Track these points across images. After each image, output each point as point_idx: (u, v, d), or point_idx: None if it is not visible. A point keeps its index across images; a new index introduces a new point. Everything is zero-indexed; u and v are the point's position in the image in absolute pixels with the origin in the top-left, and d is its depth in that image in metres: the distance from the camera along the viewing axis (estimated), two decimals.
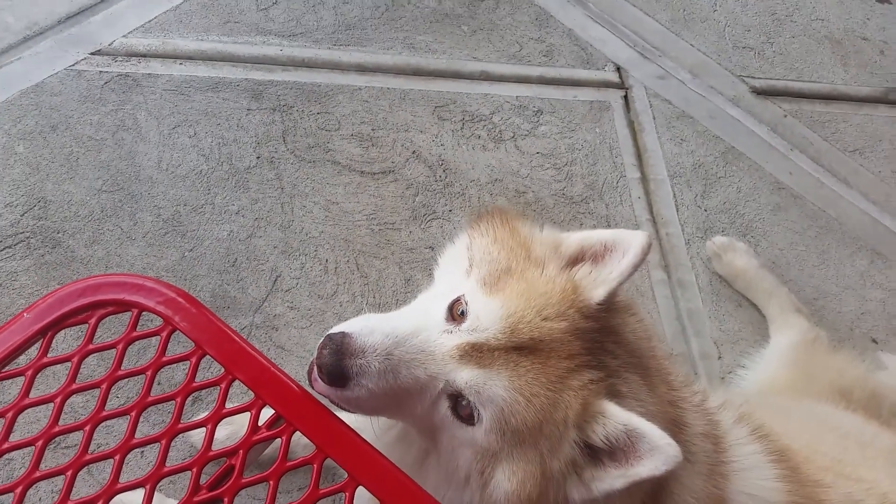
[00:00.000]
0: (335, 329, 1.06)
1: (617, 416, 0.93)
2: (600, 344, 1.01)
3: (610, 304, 1.05)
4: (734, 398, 1.44)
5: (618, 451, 0.93)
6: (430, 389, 1.01)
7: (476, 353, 0.99)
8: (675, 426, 1.03)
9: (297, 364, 1.96)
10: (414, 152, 2.45)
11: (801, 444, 1.42)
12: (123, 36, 2.53)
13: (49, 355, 1.10)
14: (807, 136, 2.81)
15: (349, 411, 1.09)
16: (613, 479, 0.92)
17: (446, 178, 2.42)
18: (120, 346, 1.12)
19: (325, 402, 1.10)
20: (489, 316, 1.01)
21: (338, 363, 1.00)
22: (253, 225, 2.19)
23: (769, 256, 2.44)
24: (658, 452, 0.88)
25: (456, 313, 1.05)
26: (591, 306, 1.03)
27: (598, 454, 0.96)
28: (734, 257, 2.30)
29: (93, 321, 1.13)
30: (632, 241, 1.03)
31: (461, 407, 1.00)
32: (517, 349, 0.99)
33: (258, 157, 2.32)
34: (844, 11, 3.28)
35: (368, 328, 1.03)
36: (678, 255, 2.39)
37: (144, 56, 2.51)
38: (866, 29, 3.25)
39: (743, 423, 1.25)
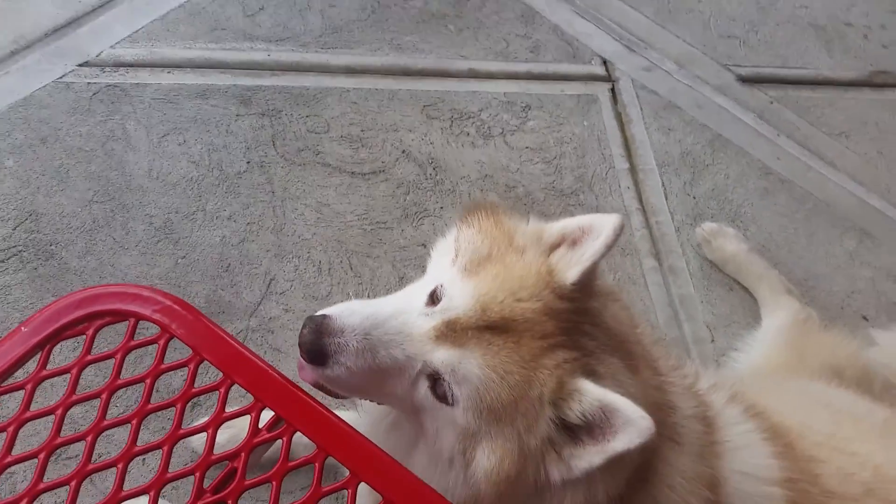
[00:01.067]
0: (318, 312, 1.09)
1: (592, 393, 0.94)
2: (577, 325, 1.03)
3: (587, 287, 1.07)
4: (726, 379, 1.46)
5: (595, 427, 0.94)
6: (409, 370, 1.04)
7: (451, 332, 1.02)
8: (660, 409, 1.04)
9: (293, 366, 1.94)
10: (404, 151, 2.47)
11: (794, 421, 1.44)
12: (111, 47, 2.54)
13: (48, 368, 1.11)
14: (793, 122, 2.84)
15: (337, 396, 1.14)
16: (592, 455, 0.93)
17: (436, 175, 2.43)
18: (118, 356, 1.13)
19: (324, 400, 1.12)
20: (462, 295, 1.05)
21: (316, 341, 1.05)
22: (245, 229, 2.20)
23: (759, 240, 2.46)
24: (631, 426, 0.89)
25: (436, 299, 1.09)
26: (566, 287, 1.04)
27: (576, 433, 0.97)
28: (724, 242, 2.33)
29: (90, 332, 1.15)
30: (605, 223, 1.05)
31: (440, 387, 1.03)
32: (490, 329, 1.01)
33: (248, 162, 2.34)
34: None
35: (349, 310, 1.07)
36: (668, 242, 2.41)
37: (132, 66, 2.51)
38: (850, 15, 3.28)
39: (735, 403, 1.27)
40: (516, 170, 2.51)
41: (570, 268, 1.06)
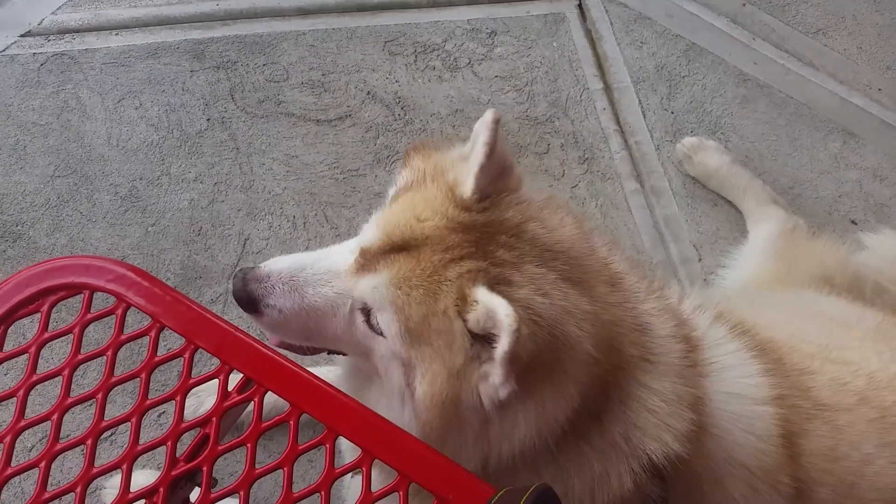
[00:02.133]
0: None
1: (482, 300, 0.89)
2: (489, 237, 0.99)
3: (498, 198, 1.03)
4: (711, 298, 1.43)
5: (493, 338, 0.90)
6: (342, 307, 1.05)
7: (365, 261, 1.03)
8: (624, 328, 0.99)
9: None
10: (369, 93, 2.38)
11: (785, 334, 1.42)
12: (52, 13, 2.43)
13: (4, 350, 1.07)
14: (768, 23, 2.74)
15: (303, 352, 1.15)
16: (496, 368, 0.88)
17: (405, 115, 2.35)
18: (76, 330, 1.09)
19: (296, 358, 1.09)
20: (372, 226, 1.06)
21: (244, 288, 1.09)
22: (213, 190, 2.13)
23: (741, 151, 2.40)
24: (501, 328, 0.84)
25: None
26: (467, 200, 1.02)
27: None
28: (705, 156, 2.27)
29: (45, 309, 1.10)
30: (481, 124, 1.01)
31: (372, 318, 1.03)
32: (395, 250, 1.01)
33: (208, 120, 2.25)
34: None
35: (276, 260, 1.11)
36: (649, 162, 2.35)
37: (77, 31, 2.41)
38: None
39: (721, 323, 1.23)
40: (487, 101, 2.43)
41: (465, 180, 1.03)
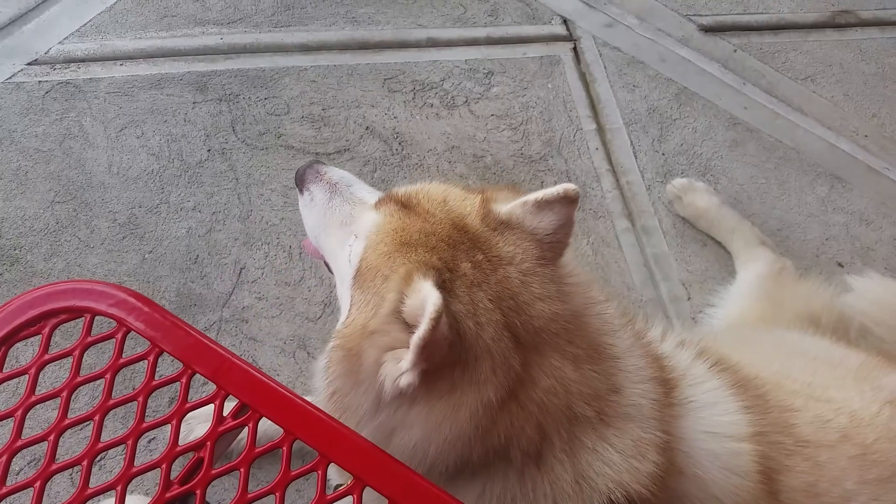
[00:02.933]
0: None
1: (422, 290, 0.91)
2: (470, 249, 1.03)
3: (520, 232, 1.07)
4: (696, 336, 1.45)
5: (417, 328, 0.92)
6: (347, 226, 1.19)
7: (381, 203, 1.15)
8: (568, 396, 1.00)
9: (271, 354, 1.96)
10: (367, 128, 2.43)
11: (770, 371, 1.44)
12: (59, 42, 2.48)
13: (4, 370, 1.08)
14: (758, 69, 2.82)
15: (313, 253, 1.34)
16: (407, 354, 0.90)
17: (402, 150, 2.40)
18: (76, 353, 1.11)
19: (291, 386, 1.10)
20: (417, 184, 1.18)
21: (304, 168, 1.30)
22: (211, 219, 2.16)
23: (730, 193, 2.45)
24: (424, 314, 0.87)
25: None
26: (492, 215, 1.07)
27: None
28: (695, 197, 2.31)
29: (46, 331, 1.12)
30: (558, 189, 1.05)
31: (356, 245, 1.13)
32: (403, 204, 1.12)
33: (209, 150, 2.29)
34: None
35: (336, 169, 1.29)
36: (640, 201, 2.40)
37: (83, 61, 2.46)
38: None
39: (702, 359, 1.26)
40: (483, 139, 2.48)
41: (507, 204, 1.09)
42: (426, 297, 0.89)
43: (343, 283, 1.14)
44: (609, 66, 2.72)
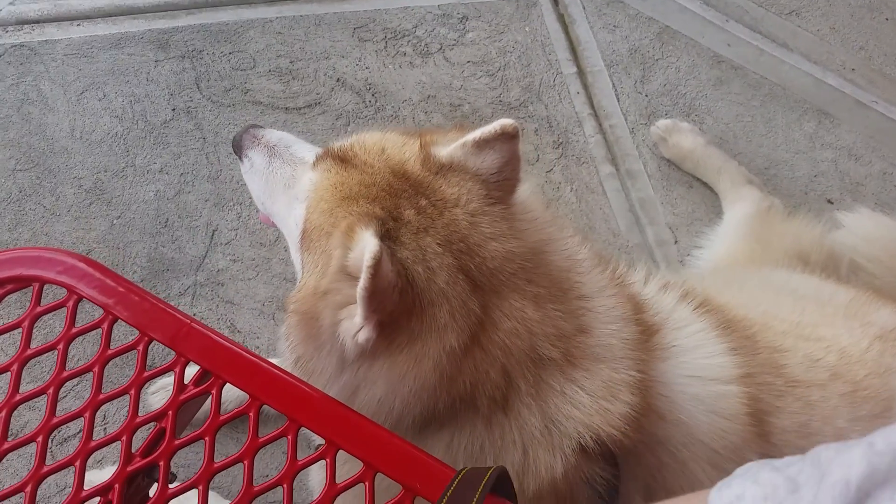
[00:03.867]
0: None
1: (362, 240, 0.89)
2: (412, 195, 0.99)
3: (463, 174, 1.02)
4: (681, 278, 1.41)
5: None
6: (291, 189, 1.13)
7: (319, 160, 1.10)
8: (531, 337, 0.96)
9: (249, 317, 1.90)
10: (338, 80, 2.34)
11: (758, 312, 1.40)
12: (10, 3, 2.36)
13: None
14: (741, 5, 2.72)
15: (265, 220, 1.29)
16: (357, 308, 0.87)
17: (376, 102, 2.31)
18: (26, 324, 1.05)
19: (257, 350, 1.05)
20: (353, 135, 1.13)
21: (240, 135, 1.25)
22: (179, 181, 2.08)
23: (716, 133, 2.39)
24: (363, 264, 0.84)
25: None
26: (432, 159, 1.03)
27: None
28: (680, 138, 2.25)
29: None
30: (495, 126, 1.01)
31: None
32: (342, 160, 1.06)
33: (174, 110, 2.20)
34: None
35: (273, 131, 1.24)
36: (624, 145, 2.33)
37: (38, 22, 2.34)
38: None
39: (686, 302, 1.21)
40: (460, 87, 2.39)
41: (447, 146, 1.04)
42: (364, 247, 0.85)
43: (294, 248, 1.10)
44: (588, 6, 2.62)
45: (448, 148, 1.03)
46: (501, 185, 1.02)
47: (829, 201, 2.32)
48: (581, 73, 2.47)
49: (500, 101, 2.38)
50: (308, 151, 1.18)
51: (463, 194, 0.99)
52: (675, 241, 2.16)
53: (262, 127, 1.25)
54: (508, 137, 1.00)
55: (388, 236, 0.93)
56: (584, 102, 2.40)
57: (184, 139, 2.15)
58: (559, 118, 2.36)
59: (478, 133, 1.00)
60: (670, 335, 1.12)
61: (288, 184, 1.15)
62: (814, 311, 1.44)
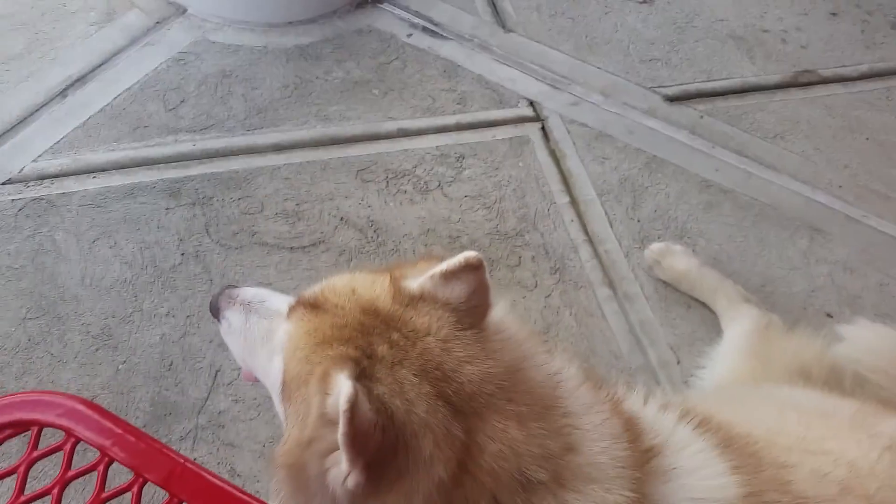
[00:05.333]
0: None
1: (338, 385, 0.89)
2: (385, 330, 1.00)
3: (433, 303, 1.04)
4: (681, 398, 1.40)
5: None
6: (268, 342, 1.13)
7: (292, 310, 1.10)
8: (518, 459, 0.95)
9: (249, 459, 1.89)
10: (342, 218, 2.43)
11: (762, 429, 1.37)
12: (33, 161, 2.51)
13: None
14: (726, 132, 2.85)
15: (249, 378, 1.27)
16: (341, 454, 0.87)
17: (378, 238, 2.39)
18: (21, 469, 1.06)
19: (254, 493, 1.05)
20: (323, 280, 1.14)
21: (217, 296, 1.25)
22: (185, 323, 2.13)
23: (709, 254, 2.44)
24: (340, 409, 0.84)
25: None
26: (403, 291, 1.04)
27: None
28: (674, 260, 2.29)
29: None
30: (460, 258, 1.04)
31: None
32: (314, 307, 1.07)
33: (183, 254, 2.29)
34: (742, 9, 3.39)
35: (248, 289, 1.25)
36: (620, 269, 2.37)
37: (56, 176, 2.48)
38: (765, 22, 3.35)
39: (685, 422, 1.19)
40: (458, 220, 2.48)
41: (418, 279, 1.06)
42: (339, 391, 0.86)
43: (277, 400, 1.10)
44: (578, 141, 2.75)
45: (417, 280, 1.06)
46: (471, 311, 1.04)
47: (829, 315, 2.32)
48: (574, 202, 2.56)
49: (498, 231, 2.46)
50: (283, 303, 1.19)
51: (434, 323, 1.01)
52: (678, 362, 2.15)
53: (237, 286, 1.27)
54: (473, 268, 1.02)
55: (363, 375, 0.93)
56: (578, 229, 2.48)
57: (191, 282, 2.22)
58: (555, 245, 2.43)
59: (444, 266, 1.03)
60: (671, 457, 1.10)
61: (266, 337, 1.15)
62: (819, 425, 1.42)
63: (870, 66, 3.21)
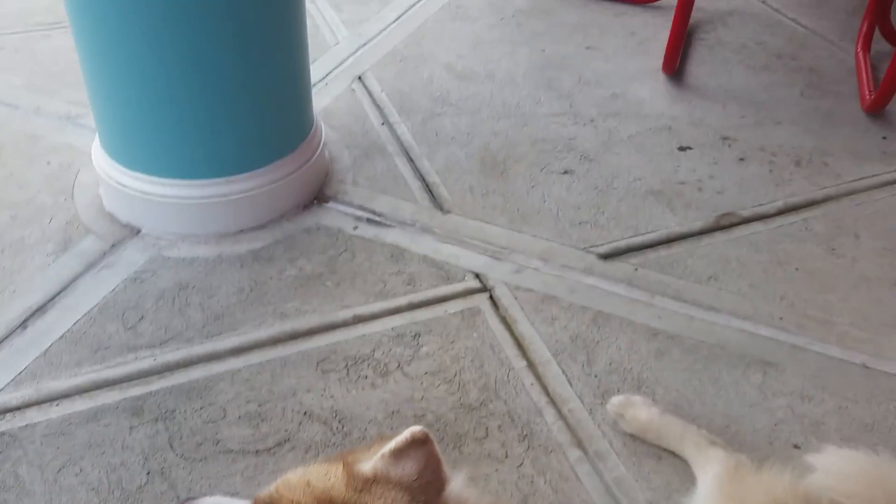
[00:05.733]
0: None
1: None
2: None
3: (388, 485, 1.07)
4: None
5: None
6: None
7: None
8: None
9: None
10: (305, 413, 2.45)
11: None
12: None
13: None
14: (662, 280, 3.02)
15: None
16: None
17: (343, 428, 2.41)
18: None
19: None
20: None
21: None
22: None
23: (669, 400, 2.50)
24: None
25: None
26: (357, 476, 1.08)
27: None
28: (635, 412, 2.35)
29: None
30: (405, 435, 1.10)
31: None
32: None
33: (148, 473, 2.26)
34: (656, 167, 3.69)
35: (208, 498, 1.31)
36: (586, 427, 2.41)
37: (19, 409, 2.48)
38: (679, 175, 3.65)
39: None
40: (421, 398, 2.52)
41: (370, 461, 1.10)
42: None
43: None
44: (525, 306, 2.88)
45: (369, 463, 1.09)
46: (426, 488, 1.07)
47: (796, 446, 2.37)
48: (531, 364, 2.64)
49: (461, 404, 2.50)
50: None
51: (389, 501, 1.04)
52: None
53: (195, 498, 1.30)
54: (420, 443, 1.07)
55: None
56: (539, 392, 2.54)
57: (158, 501, 2.18)
58: (519, 411, 2.47)
59: (392, 444, 1.08)
60: None
61: None
62: None
63: (784, 201, 3.47)
